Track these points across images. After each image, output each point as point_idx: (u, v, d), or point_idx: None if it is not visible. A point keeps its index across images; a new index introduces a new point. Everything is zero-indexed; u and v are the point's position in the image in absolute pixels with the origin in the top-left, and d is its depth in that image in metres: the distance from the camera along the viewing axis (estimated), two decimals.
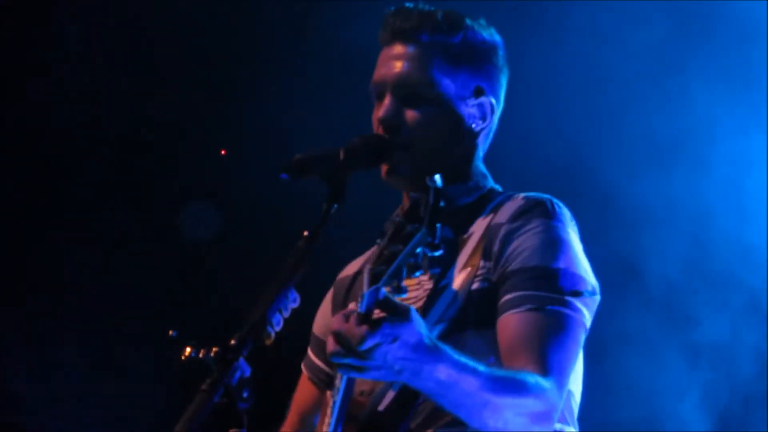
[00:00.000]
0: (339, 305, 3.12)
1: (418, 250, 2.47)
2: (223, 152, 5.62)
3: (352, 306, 2.53)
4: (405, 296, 2.53)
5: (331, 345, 2.50)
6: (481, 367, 2.57)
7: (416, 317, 2.51)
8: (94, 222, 5.60)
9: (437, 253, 2.47)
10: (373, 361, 2.46)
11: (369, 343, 2.44)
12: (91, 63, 5.55)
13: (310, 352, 3.21)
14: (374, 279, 2.49)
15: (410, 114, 2.93)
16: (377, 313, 2.48)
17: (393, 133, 2.92)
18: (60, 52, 5.52)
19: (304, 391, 3.20)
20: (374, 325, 2.44)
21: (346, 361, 2.48)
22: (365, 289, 2.49)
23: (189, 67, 5.56)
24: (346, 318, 2.47)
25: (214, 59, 5.57)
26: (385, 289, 2.48)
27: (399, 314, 2.48)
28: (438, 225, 2.47)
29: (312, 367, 3.19)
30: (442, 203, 2.46)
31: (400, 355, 2.46)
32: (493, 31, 3.05)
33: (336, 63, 5.26)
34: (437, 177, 2.49)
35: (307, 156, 2.78)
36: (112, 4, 5.49)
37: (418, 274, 2.50)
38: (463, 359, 2.56)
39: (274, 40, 5.52)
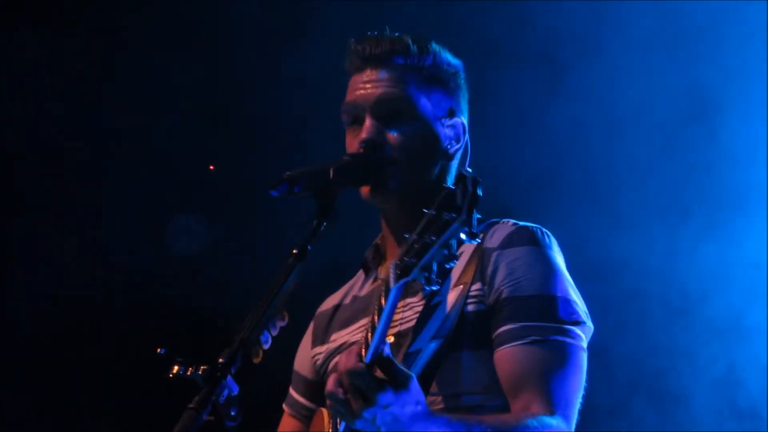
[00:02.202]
0: (319, 339, 3.14)
1: (453, 240, 2.43)
2: (211, 167, 5.61)
3: (359, 339, 2.54)
4: (436, 289, 2.51)
5: (330, 384, 2.53)
6: (476, 427, 2.59)
7: (415, 387, 2.54)
8: (82, 234, 5.58)
9: (476, 241, 2.43)
10: (360, 419, 2.51)
11: (362, 408, 2.49)
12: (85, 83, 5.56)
13: (291, 390, 3.22)
14: (403, 272, 2.47)
15: (392, 134, 2.94)
16: (378, 372, 2.51)
17: (376, 151, 2.92)
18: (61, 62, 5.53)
19: (285, 429, 3.20)
20: (373, 390, 2.48)
21: (338, 407, 2.54)
22: (392, 284, 2.48)
23: (180, 80, 5.56)
24: (359, 357, 2.50)
25: (204, 73, 5.57)
26: (411, 282, 2.48)
27: (398, 382, 2.52)
28: (475, 214, 2.42)
29: (295, 404, 3.20)
30: (479, 191, 2.42)
31: (389, 420, 2.50)
32: (453, 55, 3.07)
33: (325, 80, 5.27)
34: (470, 169, 2.47)
35: (296, 173, 2.78)
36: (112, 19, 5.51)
37: (452, 264, 2.46)
38: (455, 422, 2.59)
39: (264, 55, 5.52)
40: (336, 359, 2.59)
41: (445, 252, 2.43)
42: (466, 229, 2.40)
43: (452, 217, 2.40)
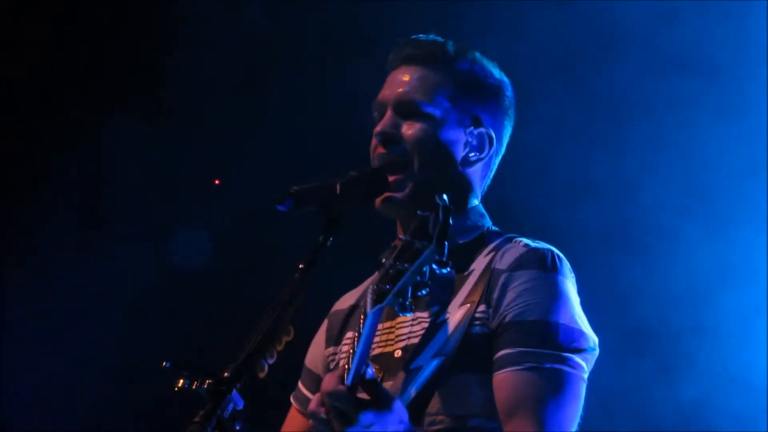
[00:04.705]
0: (333, 339, 3.13)
1: (425, 267, 2.46)
2: (217, 182, 5.62)
3: (343, 363, 2.57)
4: (410, 315, 2.55)
5: (313, 404, 2.56)
6: None
7: (398, 408, 2.56)
8: (86, 249, 5.59)
9: (445, 271, 2.46)
10: None
11: (344, 428, 2.51)
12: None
13: (300, 384, 3.20)
14: (379, 298, 2.50)
15: (408, 128, 2.93)
16: (361, 392, 2.53)
17: (391, 145, 2.92)
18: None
19: (294, 424, 3.18)
20: (355, 410, 2.50)
21: (320, 426, 2.56)
22: (369, 309, 2.51)
23: (186, 93, 5.57)
24: (341, 380, 2.52)
25: (210, 87, 5.58)
26: (384, 308, 2.51)
27: (381, 403, 2.53)
28: (446, 242, 2.44)
29: (303, 399, 3.17)
30: (450, 221, 2.44)
31: None
32: (502, 73, 3.06)
33: (332, 94, 5.28)
34: (444, 195, 2.49)
35: (303, 188, 2.78)
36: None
37: (424, 292, 2.48)
38: None
39: (270, 69, 5.54)
40: (324, 376, 2.62)
41: (418, 279, 2.47)
42: (437, 257, 2.44)
43: (423, 245, 2.44)
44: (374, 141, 2.96)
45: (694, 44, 5.03)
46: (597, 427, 2.91)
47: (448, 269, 2.48)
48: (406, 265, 2.46)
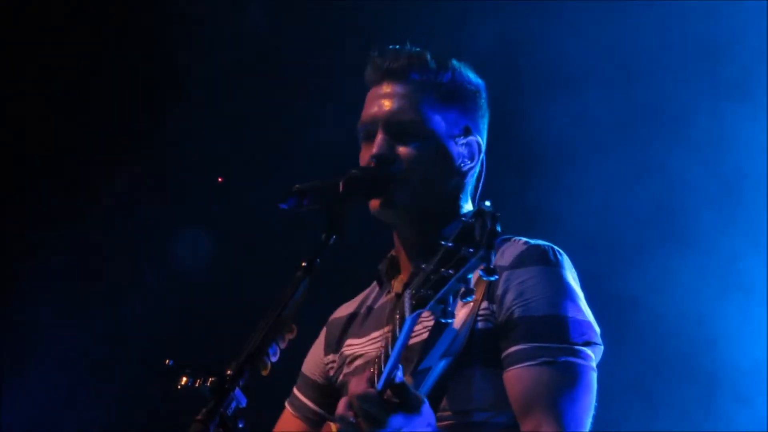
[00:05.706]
0: (333, 346, 3.15)
1: (470, 275, 2.43)
2: (220, 180, 5.62)
3: (371, 371, 2.56)
4: (451, 322, 2.53)
5: (341, 408, 2.56)
6: None
7: (426, 410, 2.56)
8: (87, 248, 5.59)
9: (493, 278, 2.42)
10: None
11: (374, 431, 2.51)
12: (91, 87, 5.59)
13: (296, 390, 3.23)
14: (419, 303, 2.48)
15: (403, 149, 2.95)
16: (389, 395, 2.53)
17: (388, 166, 2.93)
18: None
19: (286, 426, 3.20)
20: (384, 414, 2.50)
21: (348, 429, 2.55)
22: (407, 314, 2.51)
23: (188, 92, 5.57)
24: (371, 383, 2.52)
25: (213, 85, 5.59)
26: (425, 312, 2.49)
27: (410, 406, 2.54)
28: (494, 251, 2.39)
29: (299, 405, 3.20)
30: (498, 227, 2.42)
31: None
32: (476, 74, 3.08)
33: (334, 93, 5.29)
34: (488, 203, 2.47)
35: (306, 186, 2.80)
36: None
37: (469, 298, 2.45)
38: None
39: (272, 68, 5.54)
40: (352, 379, 2.61)
41: (461, 286, 2.43)
42: (484, 264, 2.39)
43: (470, 252, 2.40)
44: (366, 162, 2.97)
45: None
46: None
47: (496, 276, 2.45)
48: (450, 271, 2.43)
